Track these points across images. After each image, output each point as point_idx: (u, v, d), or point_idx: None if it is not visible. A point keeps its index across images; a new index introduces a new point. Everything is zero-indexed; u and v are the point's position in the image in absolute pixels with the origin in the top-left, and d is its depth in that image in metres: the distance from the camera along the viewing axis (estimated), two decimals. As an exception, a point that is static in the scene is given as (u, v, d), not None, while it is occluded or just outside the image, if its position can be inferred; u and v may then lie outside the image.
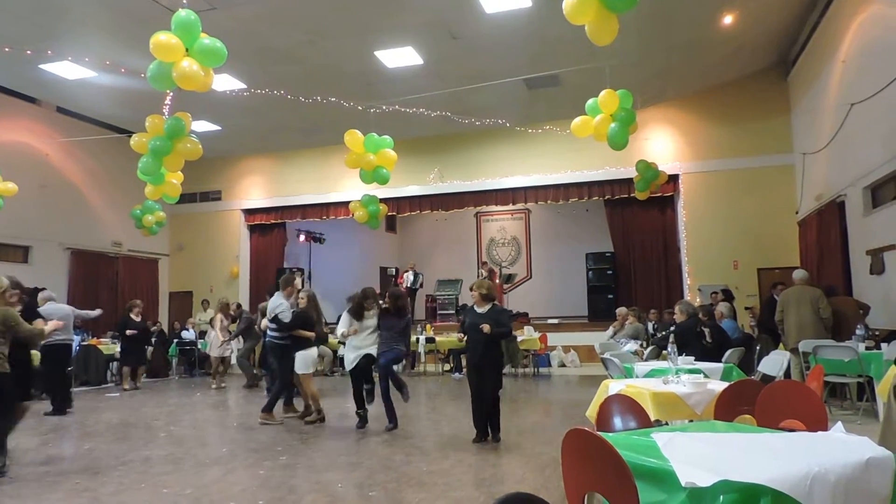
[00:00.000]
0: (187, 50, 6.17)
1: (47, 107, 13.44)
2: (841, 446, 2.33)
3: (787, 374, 6.88)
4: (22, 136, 13.06)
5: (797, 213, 12.26)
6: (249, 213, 17.01)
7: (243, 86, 11.74)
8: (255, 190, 16.96)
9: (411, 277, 17.08)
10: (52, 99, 13.20)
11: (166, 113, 9.23)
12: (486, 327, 5.89)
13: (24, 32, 9.77)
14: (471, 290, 6.34)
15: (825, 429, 2.83)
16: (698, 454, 2.30)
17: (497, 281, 16.48)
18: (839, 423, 2.68)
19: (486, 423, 6.17)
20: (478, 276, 16.50)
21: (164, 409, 8.93)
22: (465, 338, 6.31)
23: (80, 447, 6.20)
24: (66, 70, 11.23)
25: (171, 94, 10.15)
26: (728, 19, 10.23)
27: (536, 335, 12.59)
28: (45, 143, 13.47)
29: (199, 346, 13.86)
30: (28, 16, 9.28)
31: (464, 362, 12.81)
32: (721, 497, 1.97)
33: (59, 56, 10.50)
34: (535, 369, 12.62)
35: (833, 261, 9.93)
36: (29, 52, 10.10)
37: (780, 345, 8.39)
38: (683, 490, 2.05)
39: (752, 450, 2.39)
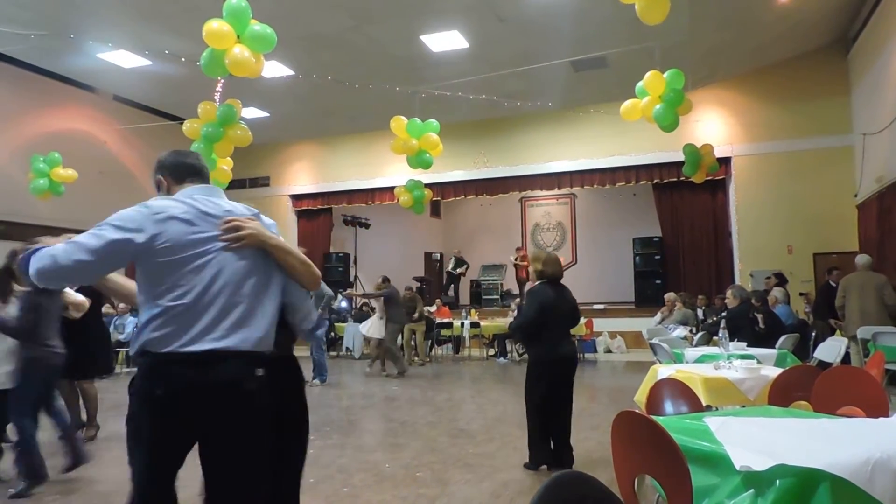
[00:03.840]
0: (238, 36, 6.29)
1: (104, 95, 13.87)
2: (904, 433, 2.25)
3: (845, 361, 6.65)
4: (82, 125, 13.52)
5: (856, 196, 11.79)
6: (297, 198, 17.29)
7: (291, 72, 11.88)
8: (302, 175, 17.22)
9: (452, 262, 17.17)
10: (110, 87, 13.61)
11: (217, 100, 9.42)
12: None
13: (81, 22, 10.11)
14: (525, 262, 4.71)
15: (886, 416, 2.75)
16: (753, 438, 2.25)
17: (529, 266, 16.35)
18: (902, 411, 2.59)
19: (551, 442, 4.62)
20: (512, 261, 16.37)
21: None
22: (528, 321, 4.62)
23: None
24: (123, 59, 11.58)
25: (223, 81, 10.35)
26: (785, -5, 9.84)
27: (582, 321, 12.48)
28: (104, 131, 13.92)
29: None
30: (82, 5, 9.58)
31: (508, 347, 12.81)
32: (777, 482, 1.93)
33: (116, 45, 10.82)
34: (581, 355, 12.54)
35: (894, 246, 9.54)
36: (91, 42, 10.45)
37: (838, 332, 8.11)
38: (737, 474, 2.02)
39: (810, 435, 2.33)
